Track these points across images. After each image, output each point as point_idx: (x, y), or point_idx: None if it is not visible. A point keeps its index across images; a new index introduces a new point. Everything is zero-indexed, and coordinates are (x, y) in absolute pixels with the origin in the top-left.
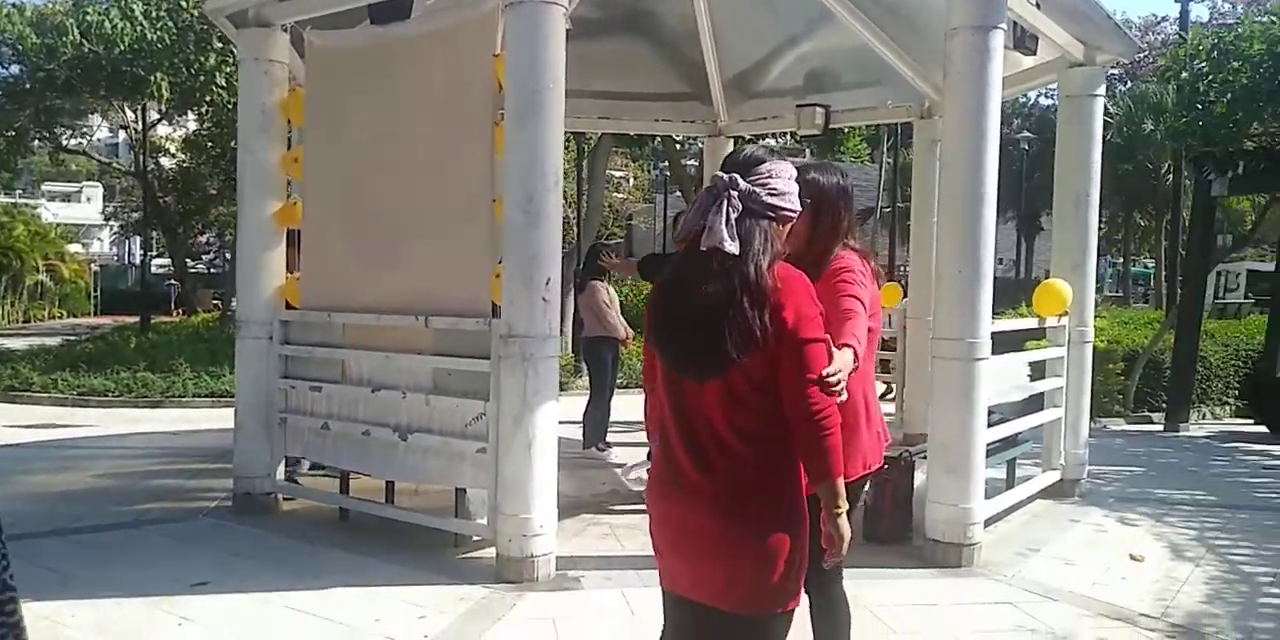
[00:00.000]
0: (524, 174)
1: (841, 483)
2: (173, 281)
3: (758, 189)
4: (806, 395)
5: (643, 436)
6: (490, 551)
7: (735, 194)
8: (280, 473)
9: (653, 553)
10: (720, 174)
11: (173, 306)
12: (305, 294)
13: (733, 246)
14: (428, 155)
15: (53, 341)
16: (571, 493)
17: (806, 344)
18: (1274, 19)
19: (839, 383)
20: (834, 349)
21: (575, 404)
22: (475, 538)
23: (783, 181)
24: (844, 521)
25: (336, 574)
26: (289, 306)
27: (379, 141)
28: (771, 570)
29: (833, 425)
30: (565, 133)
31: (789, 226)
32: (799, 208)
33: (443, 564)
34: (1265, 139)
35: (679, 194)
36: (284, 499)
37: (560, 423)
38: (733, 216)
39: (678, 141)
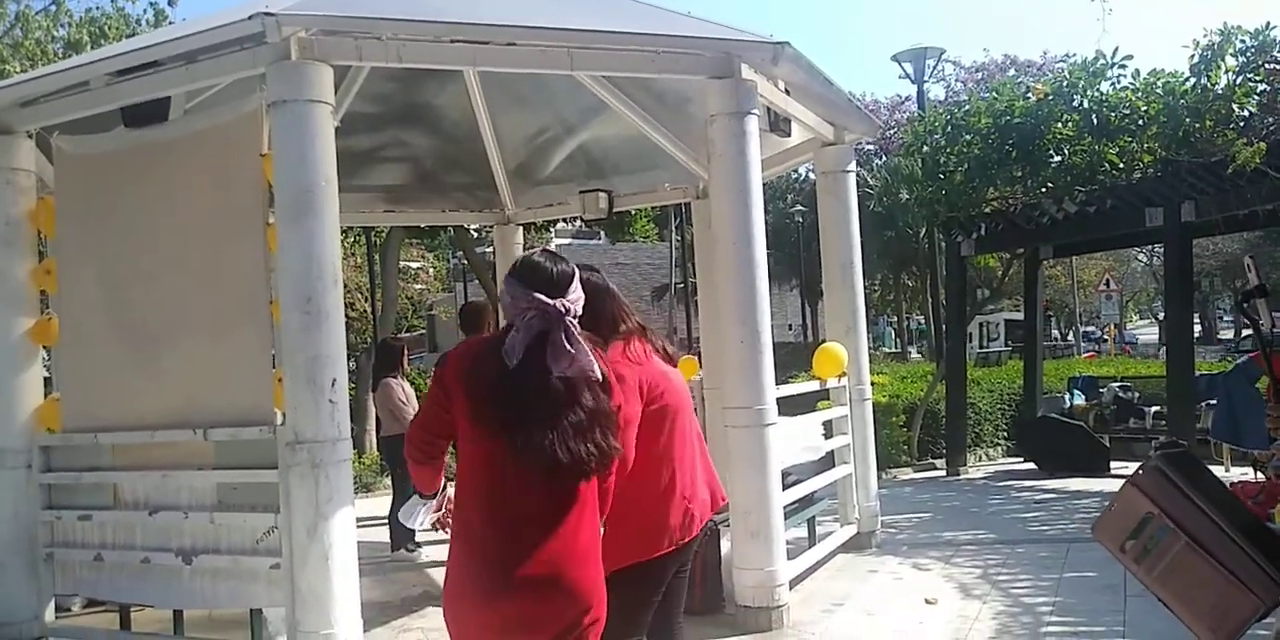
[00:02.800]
0: (300, 274)
1: None
2: None
3: (574, 306)
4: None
5: None
6: None
7: (569, 319)
8: (50, 614)
9: None
10: (545, 300)
11: None
12: (67, 415)
13: (597, 373)
14: (196, 259)
15: None
16: (380, 598)
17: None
18: (996, 95)
19: None
20: None
21: (384, 504)
22: None
23: (580, 290)
24: None
25: None
26: (50, 431)
27: (142, 248)
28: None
29: None
30: (353, 227)
31: None
32: None
33: None
34: (1001, 203)
35: (477, 281)
36: None
37: (369, 525)
38: (578, 338)
39: (472, 230)
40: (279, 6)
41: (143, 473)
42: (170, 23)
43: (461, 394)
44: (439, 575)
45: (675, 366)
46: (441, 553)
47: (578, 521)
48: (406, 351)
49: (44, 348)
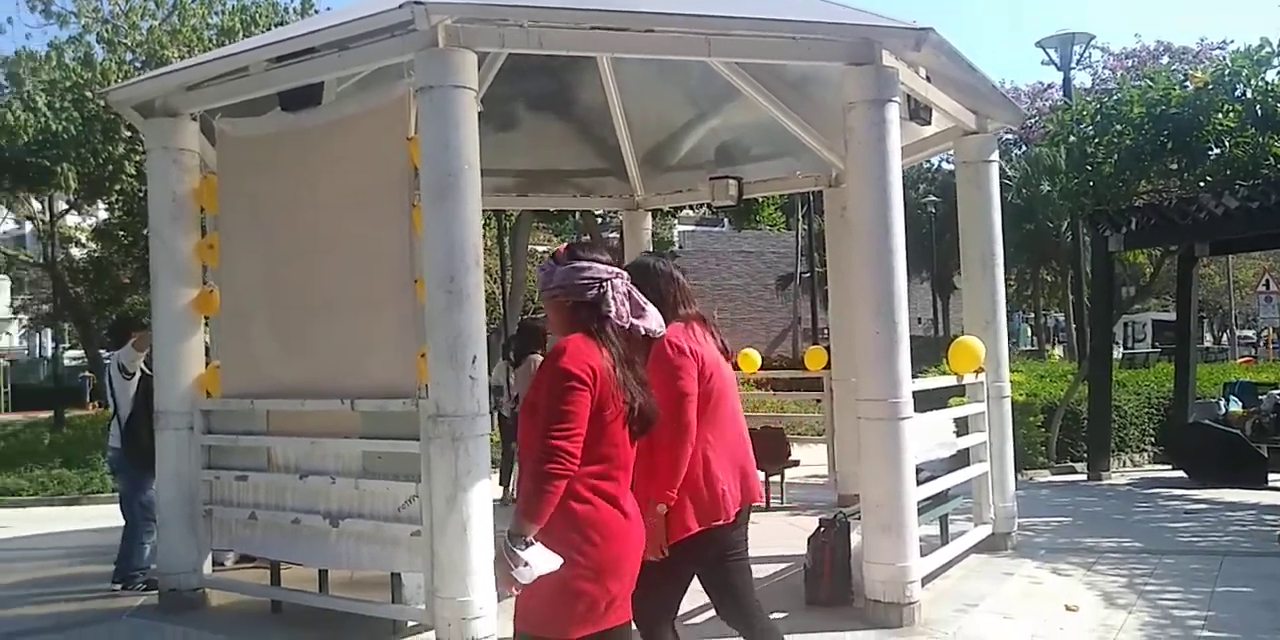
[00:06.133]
0: (444, 254)
1: None
2: (87, 374)
3: None
4: None
5: None
6: (430, 636)
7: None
8: (208, 567)
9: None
10: (618, 268)
11: (88, 399)
12: (226, 382)
13: (664, 328)
14: (346, 238)
15: None
16: None
17: None
18: (1150, 83)
19: None
20: None
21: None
22: (413, 623)
23: None
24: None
25: None
26: (209, 396)
27: (296, 226)
28: None
29: None
30: (485, 210)
31: None
32: None
33: None
34: (1153, 196)
35: None
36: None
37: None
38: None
39: (598, 215)
40: None
41: (294, 438)
42: (316, 12)
43: (604, 381)
44: None
45: (729, 360)
46: None
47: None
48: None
49: (205, 317)
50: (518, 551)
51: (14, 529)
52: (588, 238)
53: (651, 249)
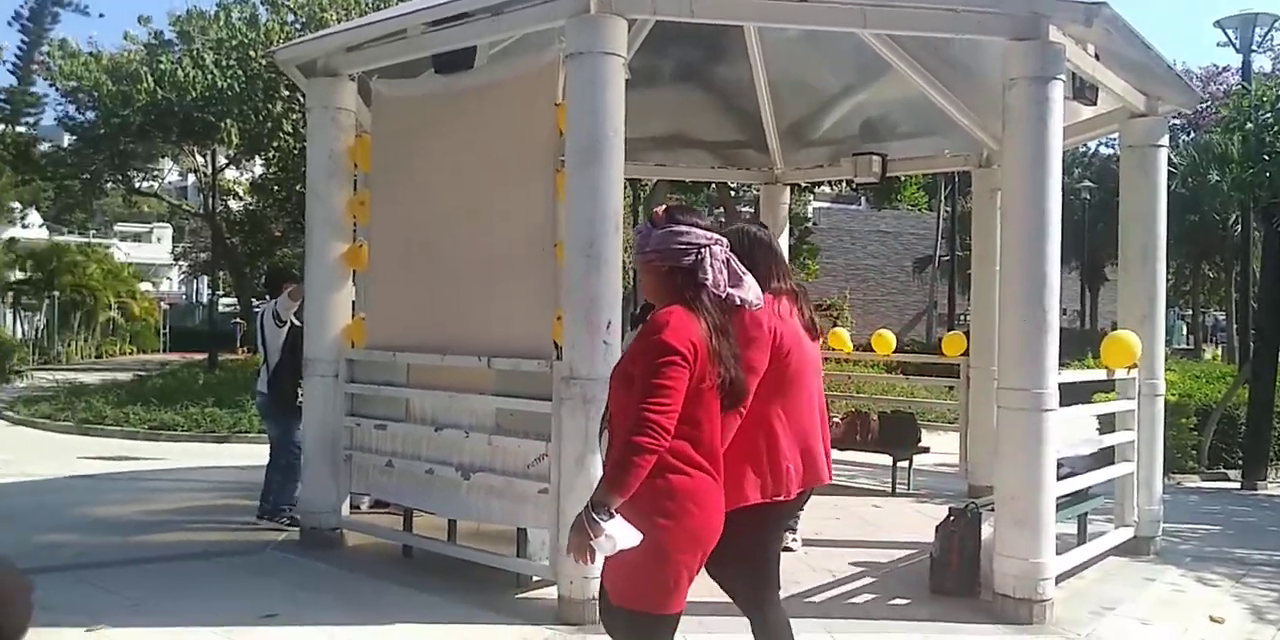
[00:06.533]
0: (585, 219)
1: None
2: (238, 320)
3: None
4: None
5: None
6: (552, 592)
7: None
8: (345, 509)
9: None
10: (716, 235)
11: (238, 344)
12: (370, 333)
13: (760, 298)
14: (491, 200)
15: (124, 376)
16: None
17: None
18: None
19: None
20: None
21: None
22: (537, 578)
23: None
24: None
25: (399, 611)
26: (354, 346)
27: (444, 186)
28: None
29: None
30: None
31: None
32: None
33: (504, 604)
34: None
35: None
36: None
37: None
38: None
39: (732, 188)
40: None
41: (432, 391)
42: None
43: (703, 355)
44: None
45: (816, 339)
46: None
47: None
48: None
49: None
50: (600, 522)
51: (169, 461)
52: (722, 211)
53: (788, 225)
